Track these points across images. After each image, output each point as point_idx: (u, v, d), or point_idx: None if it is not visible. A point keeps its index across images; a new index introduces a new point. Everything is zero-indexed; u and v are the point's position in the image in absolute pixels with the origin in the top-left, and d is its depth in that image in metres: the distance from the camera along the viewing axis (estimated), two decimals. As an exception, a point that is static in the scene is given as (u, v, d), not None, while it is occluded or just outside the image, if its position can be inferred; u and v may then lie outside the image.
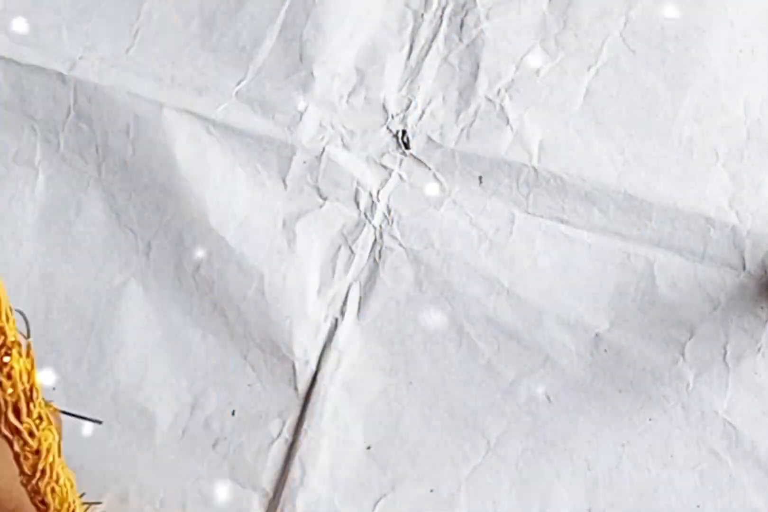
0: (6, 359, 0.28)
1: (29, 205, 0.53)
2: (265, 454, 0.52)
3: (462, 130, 0.53)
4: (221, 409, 0.52)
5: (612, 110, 0.52)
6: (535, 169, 0.52)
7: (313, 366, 0.52)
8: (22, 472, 0.32)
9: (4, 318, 0.28)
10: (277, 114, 0.54)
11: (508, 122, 0.53)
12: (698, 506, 0.50)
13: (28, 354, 0.30)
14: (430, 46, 0.54)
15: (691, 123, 0.52)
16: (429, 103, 0.54)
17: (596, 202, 0.52)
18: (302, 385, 0.52)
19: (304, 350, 0.53)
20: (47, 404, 0.32)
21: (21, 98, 0.54)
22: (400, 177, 0.54)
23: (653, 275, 0.52)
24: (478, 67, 0.53)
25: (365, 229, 0.54)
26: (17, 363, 0.29)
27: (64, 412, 0.37)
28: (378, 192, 0.54)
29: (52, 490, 0.35)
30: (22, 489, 0.33)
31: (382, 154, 0.54)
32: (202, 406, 0.52)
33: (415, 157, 0.53)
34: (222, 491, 0.50)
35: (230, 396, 0.52)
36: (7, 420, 0.30)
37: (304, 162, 0.54)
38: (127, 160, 0.53)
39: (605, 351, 0.52)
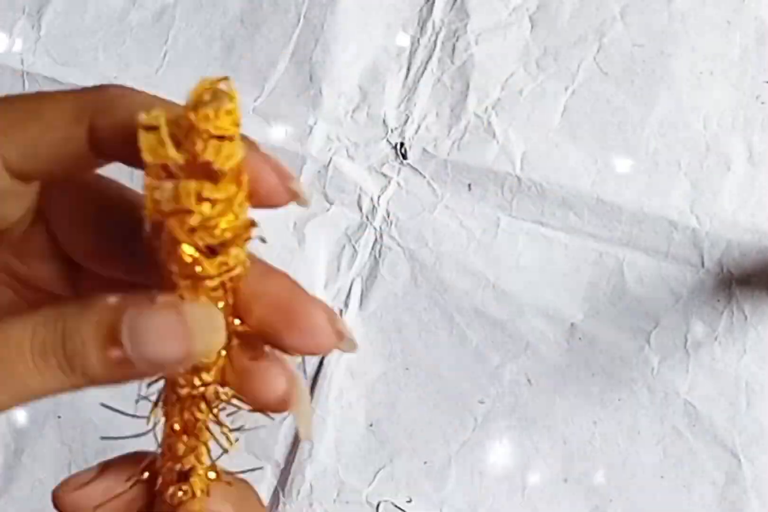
0: None
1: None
2: (277, 430, 0.54)
3: (453, 142, 0.55)
4: (239, 390, 0.55)
5: (586, 126, 0.54)
6: (518, 178, 0.54)
7: (320, 352, 0.55)
8: None
9: None
10: (289, 128, 0.56)
11: (494, 136, 0.54)
12: (662, 477, 0.53)
13: None
14: (425, 68, 0.55)
15: (656, 137, 0.54)
16: (424, 118, 0.55)
17: (572, 206, 0.54)
18: (310, 369, 0.55)
19: (313, 338, 0.55)
20: None
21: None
22: (398, 184, 0.55)
23: (622, 271, 0.54)
24: (468, 86, 0.55)
25: (367, 230, 0.56)
26: None
27: None
28: (378, 197, 0.56)
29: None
30: None
31: (383, 164, 0.56)
32: (223, 387, 0.54)
33: (411, 167, 0.55)
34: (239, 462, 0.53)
35: (247, 378, 0.55)
36: None
37: (314, 170, 0.56)
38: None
39: (580, 339, 0.54)
